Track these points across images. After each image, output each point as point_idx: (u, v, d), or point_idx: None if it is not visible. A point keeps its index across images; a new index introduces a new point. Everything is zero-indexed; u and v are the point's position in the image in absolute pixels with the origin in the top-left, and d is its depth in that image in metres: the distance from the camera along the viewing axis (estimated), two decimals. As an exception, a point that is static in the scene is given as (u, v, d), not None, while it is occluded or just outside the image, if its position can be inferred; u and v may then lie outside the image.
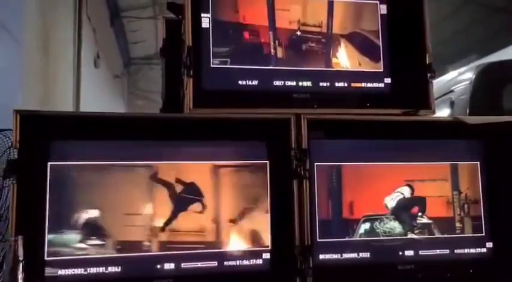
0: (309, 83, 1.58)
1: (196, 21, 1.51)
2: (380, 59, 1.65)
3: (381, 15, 1.67)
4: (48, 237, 1.32)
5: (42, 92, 3.37)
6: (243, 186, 1.47)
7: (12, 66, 2.74)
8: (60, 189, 1.34)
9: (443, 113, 3.08)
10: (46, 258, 1.31)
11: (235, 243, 1.44)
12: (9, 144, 1.75)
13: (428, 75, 1.62)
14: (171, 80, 1.73)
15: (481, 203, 1.62)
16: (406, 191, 1.57)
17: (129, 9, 6.96)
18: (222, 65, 1.53)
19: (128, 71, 9.71)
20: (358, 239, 1.52)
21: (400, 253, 1.54)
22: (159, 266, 1.39)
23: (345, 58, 1.63)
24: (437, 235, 1.58)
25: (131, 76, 9.96)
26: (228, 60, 1.53)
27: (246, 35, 1.56)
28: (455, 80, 3.25)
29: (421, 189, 1.58)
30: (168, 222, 1.40)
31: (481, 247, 1.60)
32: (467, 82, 3.03)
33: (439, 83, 3.18)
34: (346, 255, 1.50)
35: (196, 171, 1.45)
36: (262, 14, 1.57)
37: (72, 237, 1.34)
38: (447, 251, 1.57)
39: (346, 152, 1.56)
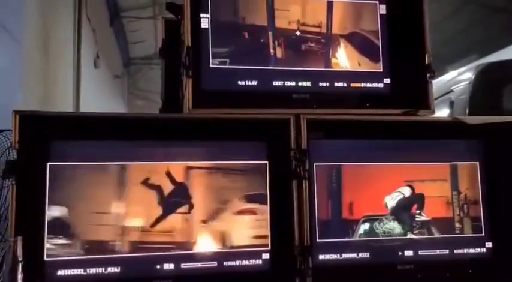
0: (308, 83, 1.58)
1: (196, 21, 1.51)
2: (379, 59, 1.65)
3: (381, 15, 1.67)
4: (47, 237, 1.31)
5: (42, 92, 3.37)
6: (238, 188, 1.47)
7: (12, 66, 2.75)
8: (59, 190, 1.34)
9: (443, 113, 3.08)
10: (45, 258, 1.31)
11: (205, 242, 1.43)
12: (9, 144, 1.75)
13: (428, 75, 1.62)
14: (170, 81, 1.73)
15: (481, 203, 1.62)
16: (406, 191, 1.57)
17: (129, 10, 6.96)
18: (222, 66, 1.53)
19: (127, 71, 9.72)
20: (357, 239, 1.52)
21: (400, 253, 1.54)
22: (158, 267, 1.39)
23: (344, 58, 1.63)
24: (437, 235, 1.58)
25: (131, 76, 9.97)
26: (228, 60, 1.53)
27: (246, 35, 1.56)
28: (455, 80, 3.25)
29: (421, 189, 1.58)
30: (155, 223, 1.40)
31: (480, 247, 1.60)
32: (467, 82, 3.03)
33: (438, 83, 3.19)
34: (345, 256, 1.50)
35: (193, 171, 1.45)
36: (261, 14, 1.57)
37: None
38: (447, 251, 1.57)
39: (345, 152, 1.56)
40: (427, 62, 1.62)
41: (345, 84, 1.61)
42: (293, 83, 1.57)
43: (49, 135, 1.36)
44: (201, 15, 1.52)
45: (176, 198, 1.42)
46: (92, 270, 1.34)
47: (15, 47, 2.76)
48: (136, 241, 1.38)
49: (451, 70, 3.64)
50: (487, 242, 1.60)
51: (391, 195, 1.56)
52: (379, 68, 1.65)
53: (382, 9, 1.67)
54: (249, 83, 1.54)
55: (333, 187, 1.52)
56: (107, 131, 1.42)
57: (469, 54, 5.61)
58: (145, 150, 1.44)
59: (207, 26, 1.52)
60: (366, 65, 1.65)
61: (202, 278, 1.41)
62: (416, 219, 1.57)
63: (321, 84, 1.59)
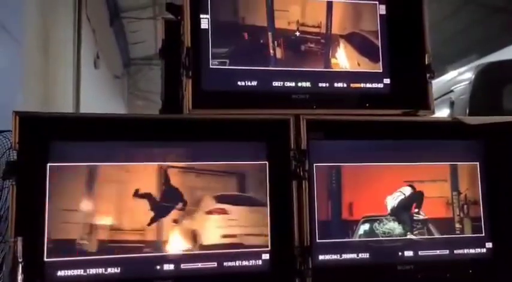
0: (308, 84, 1.58)
1: (195, 22, 1.51)
2: (379, 60, 1.65)
3: (380, 15, 1.67)
4: (47, 238, 1.32)
5: (42, 93, 3.37)
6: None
7: (12, 66, 2.75)
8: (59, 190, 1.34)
9: (443, 113, 3.08)
10: (46, 259, 1.31)
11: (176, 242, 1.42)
12: (9, 145, 1.75)
13: (428, 75, 1.62)
14: (170, 81, 1.73)
15: (481, 203, 1.62)
16: (407, 191, 1.57)
17: (129, 10, 6.96)
18: (221, 66, 1.53)
19: (127, 71, 9.72)
20: (357, 239, 1.52)
21: (400, 254, 1.54)
22: (158, 267, 1.39)
23: (344, 58, 1.63)
24: (437, 235, 1.58)
25: (131, 77, 9.98)
26: (227, 61, 1.53)
27: (245, 35, 1.56)
28: (455, 80, 3.25)
29: (421, 189, 1.58)
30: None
31: (480, 247, 1.60)
32: (467, 82, 3.03)
33: (438, 83, 3.19)
34: (345, 256, 1.50)
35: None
36: (261, 15, 1.57)
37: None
38: (447, 252, 1.57)
39: (345, 152, 1.56)
40: (426, 62, 1.62)
41: (345, 85, 1.61)
42: (293, 84, 1.57)
43: (49, 135, 1.36)
44: (201, 15, 1.52)
45: (169, 202, 1.42)
46: (92, 271, 1.34)
47: (15, 47, 2.76)
48: (105, 240, 1.36)
49: (451, 70, 3.64)
50: (487, 242, 1.60)
51: (393, 195, 1.56)
52: (378, 68, 1.65)
53: (382, 9, 1.67)
54: (249, 83, 1.54)
55: (333, 187, 1.52)
56: (107, 131, 1.42)
57: (469, 54, 5.61)
58: (145, 151, 1.44)
59: (207, 27, 1.52)
60: (365, 65, 1.65)
61: (202, 278, 1.41)
62: (415, 218, 1.57)
63: (320, 84, 1.59)
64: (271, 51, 1.57)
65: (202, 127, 1.48)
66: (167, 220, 1.41)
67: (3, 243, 1.56)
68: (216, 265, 1.42)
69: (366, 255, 1.51)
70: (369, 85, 1.63)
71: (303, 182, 1.44)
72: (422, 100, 1.62)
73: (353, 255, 1.51)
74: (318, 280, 1.42)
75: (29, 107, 2.82)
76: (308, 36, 1.60)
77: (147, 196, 1.40)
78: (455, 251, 1.58)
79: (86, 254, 1.34)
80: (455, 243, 1.58)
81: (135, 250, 1.38)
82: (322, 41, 1.61)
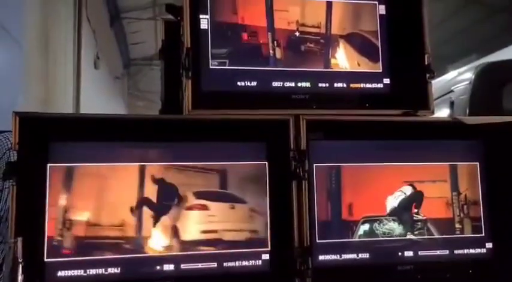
0: (307, 84, 1.58)
1: (195, 22, 1.51)
2: (379, 60, 1.65)
3: (380, 15, 1.67)
4: (47, 238, 1.32)
5: (42, 93, 3.38)
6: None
7: (13, 67, 2.75)
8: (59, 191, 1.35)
9: (443, 113, 3.08)
10: (46, 259, 1.31)
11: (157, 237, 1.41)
12: (9, 146, 1.75)
13: (427, 75, 1.61)
14: (170, 82, 1.73)
15: (481, 203, 1.62)
16: (408, 190, 1.57)
17: (129, 11, 6.97)
18: (221, 66, 1.53)
19: (127, 72, 9.73)
20: (357, 240, 1.52)
21: (400, 254, 1.54)
22: (158, 267, 1.39)
23: (343, 59, 1.63)
24: (437, 236, 1.58)
25: (131, 77, 9.99)
26: (227, 61, 1.53)
27: (245, 36, 1.56)
28: (455, 80, 3.24)
29: (420, 189, 1.58)
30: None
31: (480, 248, 1.60)
32: (467, 82, 3.02)
33: (438, 83, 3.18)
34: (345, 256, 1.50)
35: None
36: (260, 15, 1.57)
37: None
38: (447, 252, 1.57)
39: (345, 153, 1.56)
40: (426, 62, 1.62)
41: (345, 85, 1.61)
42: (292, 84, 1.57)
43: (49, 136, 1.36)
44: (201, 16, 1.52)
45: (167, 201, 1.42)
46: (92, 271, 1.34)
47: (16, 48, 2.77)
48: (83, 236, 1.35)
49: (452, 70, 3.63)
50: (487, 242, 1.60)
51: (394, 195, 1.56)
52: (378, 68, 1.65)
53: (382, 9, 1.67)
54: (249, 83, 1.54)
55: (333, 188, 1.52)
56: (107, 132, 1.42)
57: (469, 54, 5.61)
58: (145, 151, 1.44)
59: (207, 27, 1.52)
60: (365, 66, 1.64)
61: (202, 278, 1.41)
62: (415, 218, 1.57)
63: (320, 84, 1.59)
64: (271, 51, 1.57)
65: (202, 127, 1.48)
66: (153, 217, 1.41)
67: (3, 243, 1.56)
68: (216, 265, 1.42)
69: (365, 256, 1.51)
70: (368, 85, 1.63)
71: (303, 182, 1.44)
72: (422, 100, 1.61)
73: (353, 256, 1.51)
74: (317, 280, 1.42)
75: (29, 107, 2.83)
76: (308, 36, 1.60)
77: (146, 202, 1.40)
78: (455, 251, 1.58)
79: (86, 254, 1.34)
80: (455, 243, 1.58)
81: (117, 246, 1.36)
82: (322, 41, 1.61)
